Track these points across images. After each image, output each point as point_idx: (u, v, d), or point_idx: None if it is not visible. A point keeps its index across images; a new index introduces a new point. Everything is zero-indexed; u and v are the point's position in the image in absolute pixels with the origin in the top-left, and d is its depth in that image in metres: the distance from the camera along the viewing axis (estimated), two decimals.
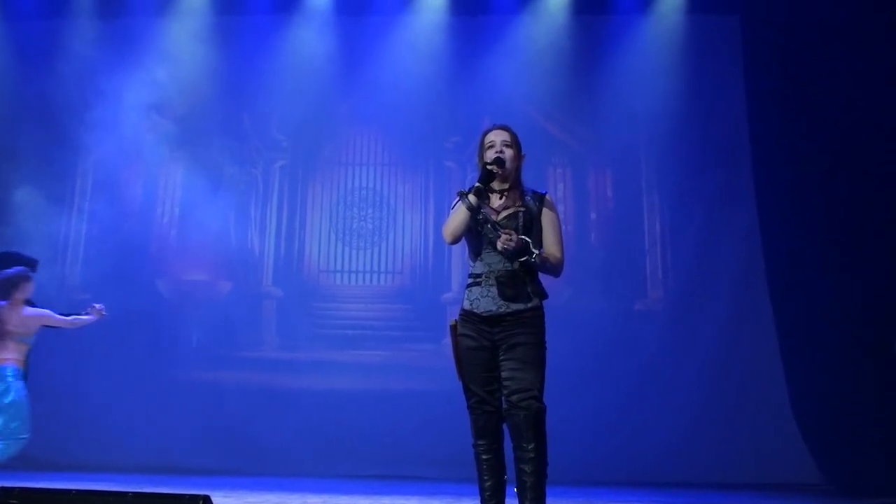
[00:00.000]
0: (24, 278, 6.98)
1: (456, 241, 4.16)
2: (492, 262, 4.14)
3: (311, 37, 10.78)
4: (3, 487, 3.18)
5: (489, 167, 4.14)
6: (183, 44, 10.64)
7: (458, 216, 4.11)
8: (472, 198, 4.08)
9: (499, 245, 4.02)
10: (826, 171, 9.34)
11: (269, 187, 10.88)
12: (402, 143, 10.81)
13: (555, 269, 4.19)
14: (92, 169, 10.74)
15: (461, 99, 10.48)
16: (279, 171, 10.93)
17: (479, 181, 4.13)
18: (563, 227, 4.43)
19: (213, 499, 3.10)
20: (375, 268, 10.68)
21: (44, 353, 9.92)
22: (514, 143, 4.27)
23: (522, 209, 4.16)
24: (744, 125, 10.27)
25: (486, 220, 4.13)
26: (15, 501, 3.09)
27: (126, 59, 10.30)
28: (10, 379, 6.87)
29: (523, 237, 4.06)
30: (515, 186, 4.26)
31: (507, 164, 4.21)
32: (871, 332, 8.93)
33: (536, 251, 4.09)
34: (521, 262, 4.05)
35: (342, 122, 10.86)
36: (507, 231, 4.04)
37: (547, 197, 4.30)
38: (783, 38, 9.85)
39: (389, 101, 10.47)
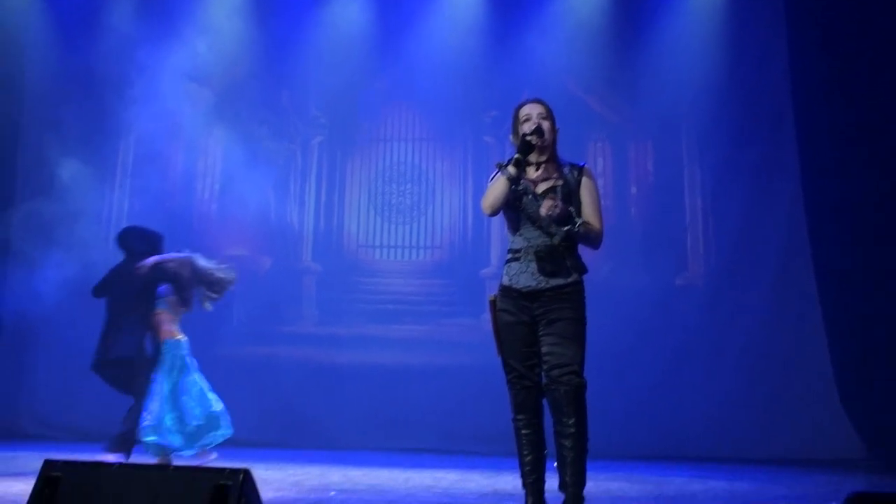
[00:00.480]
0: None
1: (495, 212, 4.13)
2: (531, 236, 4.11)
3: (349, 12, 10.77)
4: (47, 460, 3.21)
5: (528, 138, 4.10)
6: (222, 19, 10.69)
7: (497, 187, 4.08)
8: (511, 168, 4.05)
9: (543, 211, 3.97)
10: (871, 141, 9.18)
11: (308, 163, 10.91)
12: (441, 118, 10.78)
13: (596, 239, 4.16)
14: (133, 145, 10.84)
15: (500, 73, 10.41)
16: (318, 147, 10.95)
17: (517, 152, 4.09)
18: (603, 202, 4.38)
19: (253, 472, 3.12)
20: (414, 243, 10.68)
21: (90, 330, 10.09)
22: (550, 116, 4.23)
23: (560, 182, 4.12)
24: (787, 97, 10.11)
25: (527, 191, 4.10)
26: (59, 473, 3.13)
27: (166, 35, 10.33)
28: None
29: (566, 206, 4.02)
30: (552, 159, 4.22)
31: (547, 136, 4.16)
32: None
33: (579, 220, 4.05)
34: (564, 230, 4.00)
35: (380, 97, 10.85)
36: (550, 197, 3.99)
37: (586, 168, 4.25)
38: (827, 8, 9.68)
39: (428, 75, 10.44)
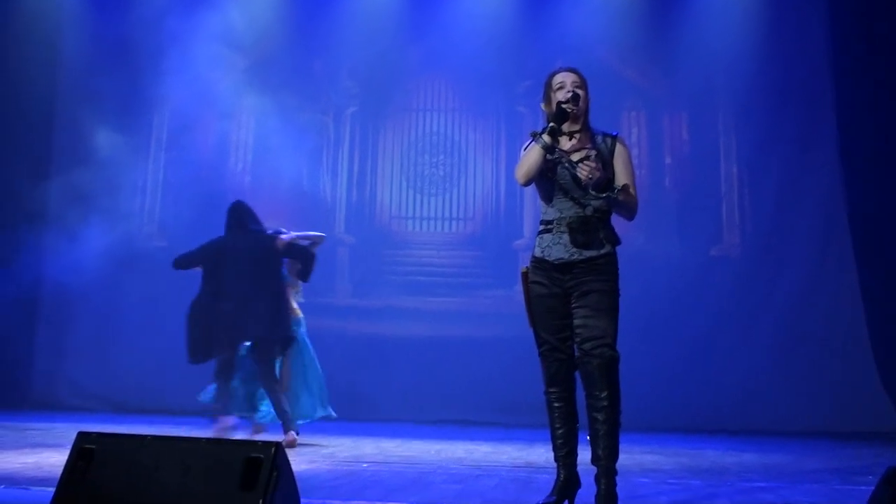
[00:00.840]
0: None
1: (529, 182, 4.07)
2: (563, 207, 4.06)
3: None
4: (81, 432, 3.24)
5: (564, 105, 4.04)
6: None
7: (531, 156, 4.03)
8: (546, 137, 3.99)
9: (583, 175, 3.91)
10: None
11: (340, 134, 10.90)
12: (473, 88, 10.73)
13: (631, 209, 4.10)
14: (168, 117, 10.88)
15: (533, 42, 10.34)
16: (350, 118, 10.93)
17: (552, 120, 4.03)
18: (637, 172, 4.31)
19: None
20: (447, 214, 10.66)
21: (128, 303, 10.19)
22: (584, 85, 4.16)
23: (594, 151, 4.06)
24: (826, 66, 9.95)
25: (561, 160, 4.04)
26: (92, 445, 3.15)
27: (200, 5, 10.35)
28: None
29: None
30: (585, 128, 4.16)
31: (580, 103, 4.10)
32: None
33: (618, 186, 3.99)
34: (603, 196, 3.94)
35: (413, 67, 10.80)
36: (587, 162, 3.93)
37: (619, 137, 4.19)
38: None
39: (460, 45, 10.37)
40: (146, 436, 3.24)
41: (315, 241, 7.33)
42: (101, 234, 9.82)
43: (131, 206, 10.49)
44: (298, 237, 7.18)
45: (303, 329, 7.36)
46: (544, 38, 10.22)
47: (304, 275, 7.19)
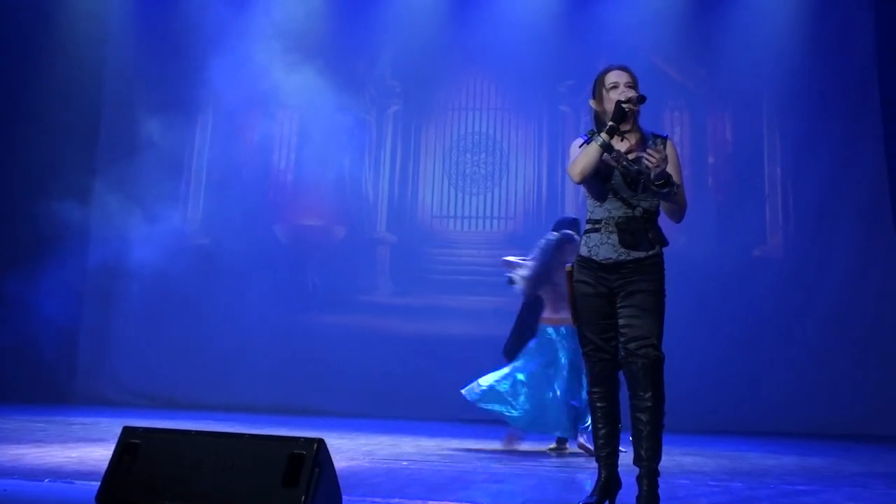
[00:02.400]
0: (567, 241, 7.06)
1: (584, 180, 4.05)
2: (612, 207, 4.04)
3: None
4: (126, 427, 3.28)
5: (624, 105, 4.01)
6: None
7: (589, 154, 4.00)
8: (605, 136, 3.98)
9: (653, 162, 3.85)
10: None
11: (382, 133, 10.93)
12: (516, 88, 10.72)
13: (682, 210, 4.08)
14: (212, 115, 10.96)
15: (576, 41, 10.31)
16: (392, 117, 10.96)
17: (611, 119, 4.00)
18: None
19: (327, 441, 3.14)
20: (488, 213, 10.66)
21: (166, 299, 10.30)
22: (636, 85, 4.13)
23: (645, 152, 4.03)
24: (872, 68, 9.84)
25: (619, 159, 4.02)
26: (138, 440, 3.19)
27: (245, 8, 10.46)
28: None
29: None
30: (636, 129, 4.15)
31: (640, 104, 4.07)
32: None
33: (677, 181, 3.96)
34: (665, 191, 3.91)
35: (455, 66, 10.80)
36: (649, 153, 3.89)
37: (669, 140, 4.16)
38: None
39: (502, 44, 10.36)
40: (190, 431, 3.27)
41: None
42: (145, 230, 9.95)
43: (175, 204, 10.60)
44: None
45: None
46: (586, 38, 10.19)
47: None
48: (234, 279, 10.33)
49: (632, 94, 4.03)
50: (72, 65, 10.66)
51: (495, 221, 10.65)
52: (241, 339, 10.19)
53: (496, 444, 7.09)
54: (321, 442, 3.10)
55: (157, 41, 10.78)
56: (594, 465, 4.09)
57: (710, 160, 10.42)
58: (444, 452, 6.49)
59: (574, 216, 7.26)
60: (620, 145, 4.08)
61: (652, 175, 3.88)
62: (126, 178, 10.14)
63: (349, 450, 6.36)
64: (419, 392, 9.78)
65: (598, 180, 4.05)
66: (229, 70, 10.20)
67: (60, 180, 10.03)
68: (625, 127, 4.08)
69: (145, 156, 10.30)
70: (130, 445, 3.20)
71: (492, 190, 10.68)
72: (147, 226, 9.98)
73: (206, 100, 10.80)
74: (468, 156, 10.77)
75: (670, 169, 3.97)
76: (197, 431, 3.24)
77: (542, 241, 7.04)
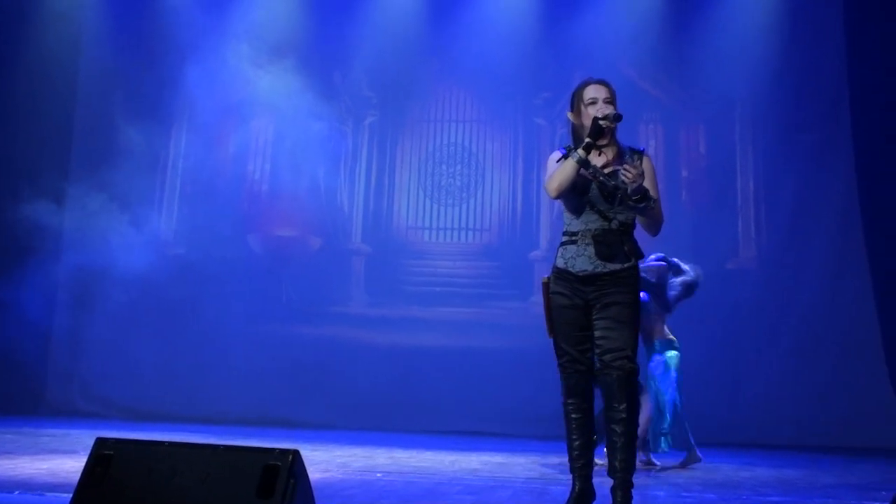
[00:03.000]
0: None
1: (560, 195, 4.08)
2: (589, 220, 4.07)
3: None
4: (99, 438, 3.25)
5: (601, 122, 4.03)
6: (276, 3, 10.74)
7: (566, 170, 4.03)
8: (581, 152, 4.00)
9: (628, 178, 3.88)
10: None
11: (358, 144, 10.92)
12: (491, 100, 10.75)
13: (658, 223, 4.12)
14: (186, 125, 10.91)
15: (551, 54, 10.36)
16: (368, 128, 10.96)
17: (589, 136, 4.03)
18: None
19: (301, 452, 3.13)
20: (463, 225, 10.67)
21: (140, 309, 10.23)
22: (614, 99, 4.16)
23: (622, 166, 4.06)
24: (843, 83, 9.94)
25: (596, 175, 4.04)
26: (110, 451, 3.16)
27: (220, 14, 10.45)
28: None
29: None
30: (613, 143, 4.17)
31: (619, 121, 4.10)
32: None
33: (654, 196, 4.00)
34: (641, 206, 3.94)
35: (431, 78, 10.82)
36: (628, 167, 3.91)
37: (645, 153, 4.20)
38: None
39: (478, 56, 10.40)
40: (164, 442, 3.25)
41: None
42: (119, 239, 9.88)
43: (150, 212, 10.53)
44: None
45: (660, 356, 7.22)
46: (563, 50, 10.24)
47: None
48: (209, 289, 10.28)
49: (609, 111, 4.06)
50: (45, 68, 10.57)
51: (470, 233, 10.66)
52: (215, 350, 10.14)
53: (471, 456, 7.08)
54: (296, 453, 3.09)
55: (132, 46, 10.73)
56: (569, 476, 4.10)
57: (684, 173, 10.48)
58: (419, 464, 6.48)
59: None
60: (598, 159, 4.11)
61: (629, 190, 3.91)
62: (101, 184, 10.06)
63: (323, 461, 6.34)
64: (394, 403, 9.77)
65: (575, 194, 4.07)
66: (205, 78, 10.18)
67: (34, 185, 9.90)
68: (602, 142, 4.10)
69: (120, 162, 10.23)
70: (103, 457, 3.18)
71: (467, 201, 10.70)
72: (121, 234, 9.92)
73: (181, 107, 10.76)
74: (444, 167, 10.79)
75: (647, 184, 4.00)
76: (171, 442, 3.23)
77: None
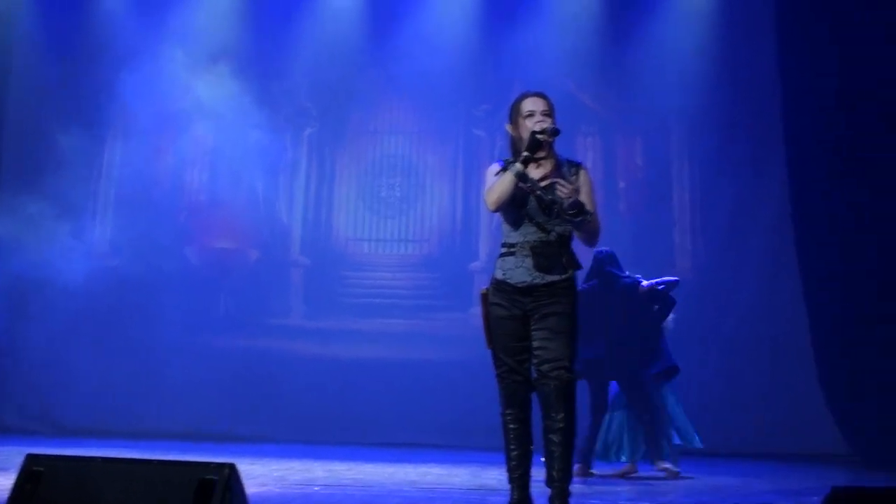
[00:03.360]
0: None
1: (499, 208, 4.10)
2: (527, 232, 4.10)
3: (340, 4, 10.74)
4: (30, 454, 3.18)
5: (539, 136, 4.06)
6: (214, 12, 10.64)
7: (504, 184, 4.05)
8: (519, 165, 4.03)
9: (563, 193, 3.92)
10: (860, 139, 9.19)
11: (297, 155, 10.86)
12: (431, 111, 10.76)
13: (595, 235, 4.16)
14: (122, 136, 10.75)
15: (491, 66, 10.42)
16: (307, 139, 10.91)
17: (526, 150, 4.05)
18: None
19: (238, 466, 3.10)
20: (403, 236, 10.66)
21: (73, 321, 10.04)
22: (552, 112, 4.20)
23: (560, 179, 4.09)
24: (776, 93, 10.12)
25: (534, 188, 4.07)
26: (41, 468, 3.10)
27: (157, 23, 10.36)
28: None
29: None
30: (551, 156, 4.21)
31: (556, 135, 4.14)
32: None
33: (590, 210, 4.04)
34: (578, 220, 3.98)
35: (371, 89, 10.80)
36: (562, 184, 3.96)
37: (583, 165, 4.24)
38: (818, 4, 9.68)
39: (418, 68, 10.40)
40: (97, 458, 3.19)
41: (671, 286, 7.49)
42: (51, 250, 9.70)
43: (83, 223, 10.36)
44: (657, 283, 7.40)
45: None
46: (502, 63, 10.30)
47: (662, 316, 7.48)
48: (144, 302, 10.14)
49: (547, 124, 4.09)
50: None
51: (410, 244, 10.66)
52: (150, 364, 9.99)
53: (409, 468, 7.07)
54: (232, 467, 3.06)
55: (67, 51, 10.54)
56: (506, 487, 4.11)
57: (622, 184, 10.59)
58: (357, 476, 6.45)
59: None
60: (535, 172, 4.14)
61: (565, 205, 3.95)
62: (35, 192, 9.86)
63: (260, 475, 6.28)
64: (332, 416, 9.71)
65: (514, 207, 4.10)
66: (142, 85, 10.04)
67: None
68: (539, 154, 4.13)
69: (55, 170, 10.05)
70: (33, 473, 3.11)
71: (407, 213, 10.69)
72: (56, 244, 9.74)
73: (117, 115, 10.58)
74: (383, 179, 10.77)
75: (584, 196, 4.04)
76: (104, 458, 3.17)
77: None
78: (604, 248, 7.32)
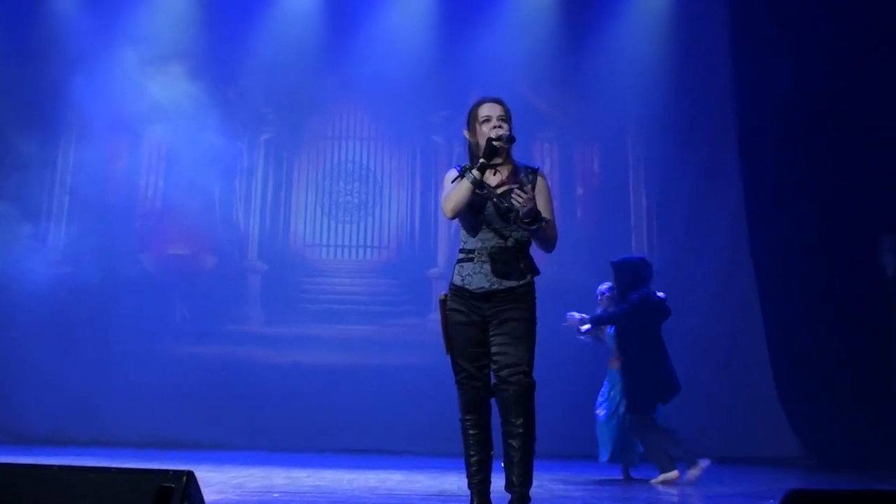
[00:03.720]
0: None
1: (456, 215, 4.12)
2: (485, 238, 4.11)
3: (298, 9, 10.71)
4: None
5: (495, 143, 4.07)
6: (170, 16, 10.56)
7: (461, 191, 4.06)
8: (476, 172, 4.04)
9: (519, 202, 3.94)
10: (812, 144, 9.35)
11: (254, 160, 10.80)
12: (390, 117, 10.76)
13: (552, 241, 4.17)
14: (75, 141, 10.63)
15: (449, 72, 10.44)
16: (265, 144, 10.85)
17: (482, 156, 4.06)
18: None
19: (196, 474, 3.07)
20: (361, 242, 10.64)
21: (26, 328, 9.90)
22: (509, 118, 4.21)
23: (516, 185, 4.10)
24: (730, 100, 10.28)
25: (490, 195, 4.09)
26: None
27: (111, 26, 10.26)
28: None
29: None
30: (508, 162, 4.22)
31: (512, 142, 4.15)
32: (854, 306, 9.02)
33: (545, 219, 4.05)
34: (533, 228, 4.00)
35: (329, 95, 10.78)
36: (518, 192, 3.97)
37: (540, 171, 4.26)
38: (770, 13, 9.83)
39: (377, 74, 10.40)
40: (52, 466, 3.15)
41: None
42: (3, 256, 9.58)
43: (36, 229, 10.23)
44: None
45: None
46: (460, 69, 10.32)
47: None
48: (100, 308, 10.02)
49: (503, 131, 4.11)
50: None
51: (368, 250, 10.64)
52: (106, 371, 9.86)
53: (369, 474, 7.06)
54: (190, 474, 3.04)
55: (19, 53, 10.38)
56: (466, 492, 4.12)
57: (580, 191, 10.66)
58: (317, 483, 6.43)
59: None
60: (492, 178, 4.15)
61: (520, 213, 3.96)
62: None
63: (219, 482, 6.23)
64: (291, 422, 9.66)
65: (472, 213, 4.11)
66: (96, 89, 9.94)
67: None
68: (496, 161, 4.15)
69: (8, 175, 9.93)
70: None
71: (365, 219, 10.68)
72: (7, 251, 9.61)
73: (70, 119, 10.45)
74: (341, 184, 10.75)
75: (541, 203, 4.07)
76: (59, 466, 3.13)
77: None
78: (640, 255, 7.47)
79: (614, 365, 7.53)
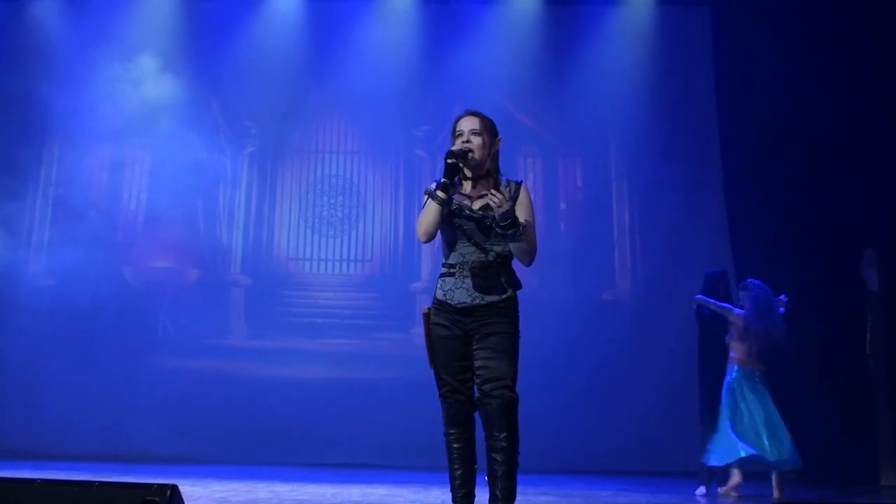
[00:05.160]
0: None
1: (430, 238, 4.10)
2: (466, 252, 4.11)
3: (281, 23, 10.72)
4: None
5: (449, 160, 4.05)
6: (153, 28, 10.55)
7: (429, 215, 4.05)
8: (440, 194, 4.02)
9: (493, 202, 3.92)
10: (795, 162, 9.42)
11: (237, 174, 10.79)
12: (373, 132, 10.78)
13: (531, 252, 4.14)
14: (58, 153, 10.60)
15: (432, 87, 10.48)
16: (248, 159, 10.85)
17: (444, 176, 4.05)
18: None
19: (180, 487, 3.07)
20: (345, 256, 10.64)
21: (6, 342, 9.85)
22: (485, 129, 4.18)
23: (492, 190, 4.07)
24: (713, 116, 10.37)
25: (462, 210, 4.09)
26: None
27: (94, 40, 10.23)
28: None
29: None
30: (490, 173, 4.21)
31: (477, 155, 4.13)
32: (838, 322, 9.07)
33: (522, 222, 4.03)
34: (510, 232, 3.97)
35: (312, 109, 10.81)
36: (492, 193, 3.95)
37: (523, 185, 4.24)
38: (752, 28, 9.92)
39: (360, 88, 10.44)
40: (35, 480, 3.15)
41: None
42: None
43: (17, 242, 10.19)
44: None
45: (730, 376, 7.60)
46: (443, 84, 10.36)
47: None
48: (81, 322, 9.96)
49: (469, 145, 4.10)
50: None
51: (352, 264, 10.64)
52: (88, 385, 9.81)
53: (353, 488, 7.05)
54: (174, 488, 3.04)
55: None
56: None
57: (562, 206, 10.70)
58: (300, 497, 6.41)
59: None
60: (472, 190, 4.16)
61: (496, 216, 3.96)
62: None
63: (202, 497, 6.21)
64: (275, 436, 9.64)
65: (448, 229, 4.12)
66: (77, 103, 9.94)
67: None
68: (477, 172, 4.14)
69: None
70: None
71: (348, 233, 10.68)
72: None
73: (51, 133, 10.42)
74: (325, 198, 10.75)
75: (520, 211, 4.06)
76: (42, 480, 3.13)
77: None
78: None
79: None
